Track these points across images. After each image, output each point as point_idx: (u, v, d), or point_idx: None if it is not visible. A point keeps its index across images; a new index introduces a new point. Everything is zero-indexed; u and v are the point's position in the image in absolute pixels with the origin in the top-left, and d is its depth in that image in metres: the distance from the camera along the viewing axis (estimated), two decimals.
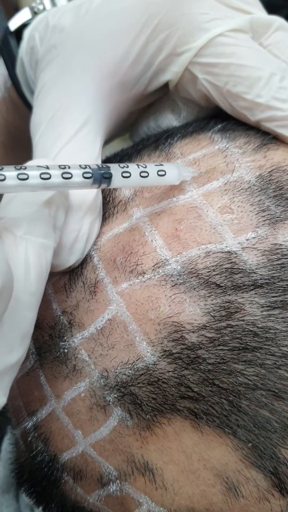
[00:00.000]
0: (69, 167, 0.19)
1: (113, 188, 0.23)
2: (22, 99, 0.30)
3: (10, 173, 0.18)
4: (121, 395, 0.20)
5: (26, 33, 0.27)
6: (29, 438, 0.23)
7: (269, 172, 0.21)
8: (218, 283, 0.19)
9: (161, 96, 0.27)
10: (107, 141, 0.26)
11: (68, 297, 0.22)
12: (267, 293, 0.19)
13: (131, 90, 0.25)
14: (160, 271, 0.20)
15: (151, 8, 0.23)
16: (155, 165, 0.21)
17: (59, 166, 0.19)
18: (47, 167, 0.18)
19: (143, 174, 0.21)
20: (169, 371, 0.19)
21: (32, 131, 0.25)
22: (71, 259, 0.22)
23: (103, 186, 0.20)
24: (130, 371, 0.20)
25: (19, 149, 0.38)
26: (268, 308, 0.19)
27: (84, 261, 0.22)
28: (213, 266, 0.20)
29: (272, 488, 0.19)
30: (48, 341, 0.22)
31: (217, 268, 0.19)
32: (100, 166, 0.20)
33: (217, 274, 0.19)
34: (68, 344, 0.21)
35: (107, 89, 0.24)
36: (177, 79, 0.25)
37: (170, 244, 0.20)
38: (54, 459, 0.22)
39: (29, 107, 0.30)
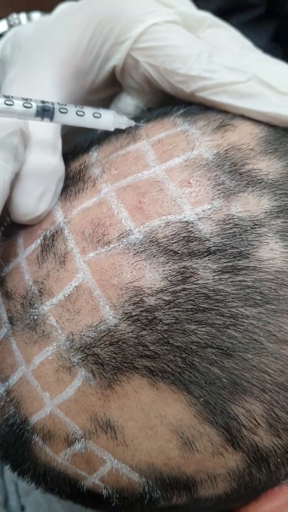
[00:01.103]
0: (12, 97, 0.23)
1: (84, 167, 0.26)
2: None
3: None
4: (85, 356, 0.22)
5: (0, 43, 0.32)
6: (2, 403, 0.24)
7: (226, 150, 0.23)
8: (175, 250, 0.21)
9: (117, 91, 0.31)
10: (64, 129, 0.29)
11: (40, 268, 0.24)
12: (219, 259, 0.21)
13: (84, 77, 0.29)
14: (124, 240, 0.22)
15: (95, 6, 0.28)
16: (92, 108, 0.24)
17: (3, 95, 0.22)
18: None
19: (79, 113, 0.24)
20: (129, 332, 0.21)
21: None
22: (40, 208, 0.25)
23: (46, 120, 0.24)
24: (93, 333, 0.22)
25: None
26: (219, 272, 0.21)
27: (56, 234, 0.24)
28: (171, 235, 0.21)
29: (225, 442, 0.21)
30: (20, 309, 0.24)
31: (175, 237, 0.21)
32: (42, 101, 0.23)
33: (175, 242, 0.21)
34: (37, 311, 0.23)
35: (63, 76, 0.28)
36: (121, 65, 0.28)
37: (134, 216, 0.22)
38: (25, 422, 0.24)
39: None
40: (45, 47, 0.28)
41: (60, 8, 0.30)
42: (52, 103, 0.24)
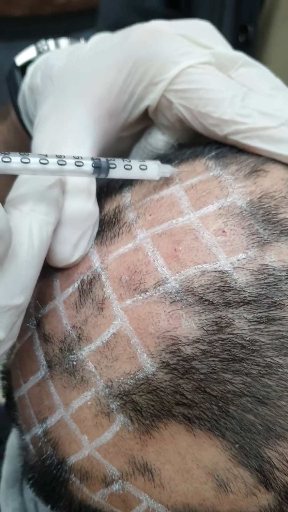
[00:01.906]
0: (64, 157, 0.24)
1: (118, 211, 0.26)
2: (22, 125, 0.36)
3: (15, 157, 0.23)
4: (124, 402, 0.23)
5: (30, 69, 0.33)
6: (39, 444, 0.26)
7: (259, 198, 0.24)
8: (211, 300, 0.22)
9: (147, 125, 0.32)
10: None
11: (78, 313, 0.25)
12: (254, 309, 0.22)
13: (118, 116, 0.30)
14: (161, 288, 0.23)
15: (131, 46, 0.29)
16: (138, 161, 0.26)
17: (55, 155, 0.24)
18: (46, 156, 0.24)
19: (127, 167, 0.25)
20: (166, 381, 0.22)
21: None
22: (76, 254, 0.26)
23: (102, 176, 0.25)
24: (131, 381, 0.23)
25: None
26: (255, 322, 0.22)
27: (93, 280, 0.25)
28: (207, 284, 0.22)
29: (258, 484, 0.22)
30: (58, 354, 0.25)
31: (210, 286, 0.22)
32: (92, 158, 0.25)
33: (210, 292, 0.22)
34: (76, 357, 0.24)
35: (98, 116, 0.29)
36: (155, 105, 0.29)
37: (170, 264, 0.23)
38: (63, 462, 0.25)
39: (27, 133, 0.36)
40: (79, 86, 0.29)
41: (94, 42, 0.31)
42: (104, 160, 0.25)
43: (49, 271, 0.27)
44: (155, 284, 0.23)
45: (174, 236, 0.24)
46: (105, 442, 0.24)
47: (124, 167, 0.25)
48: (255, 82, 0.29)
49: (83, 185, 0.26)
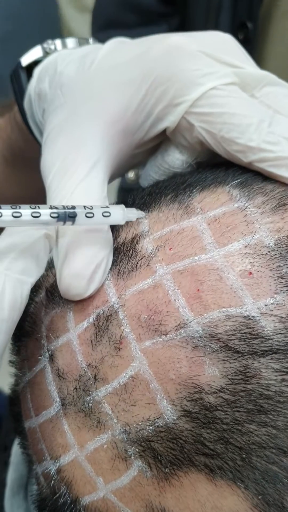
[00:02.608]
0: (39, 207, 0.24)
1: (136, 242, 0.25)
2: (26, 126, 0.35)
3: None
4: (142, 449, 0.22)
5: (36, 72, 0.32)
6: (52, 481, 0.25)
7: (287, 236, 0.23)
8: (236, 347, 0.21)
9: (163, 140, 0.31)
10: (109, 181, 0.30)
11: (94, 350, 0.24)
12: (282, 358, 0.21)
13: (133, 136, 0.29)
14: (182, 331, 0.22)
15: (149, 64, 0.27)
16: (101, 207, 0.25)
17: (29, 206, 0.24)
18: (19, 207, 0.24)
19: (88, 215, 0.25)
20: (188, 429, 0.22)
21: (43, 173, 0.28)
22: (90, 287, 0.25)
23: (67, 223, 0.25)
24: (151, 428, 0.22)
25: (19, 165, 0.44)
26: (282, 373, 0.21)
27: (110, 317, 0.24)
28: (232, 330, 0.22)
29: None
30: (73, 393, 0.24)
31: (236, 333, 0.22)
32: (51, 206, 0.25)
33: (236, 339, 0.21)
34: (92, 399, 0.23)
35: (112, 134, 0.28)
36: (174, 127, 0.28)
37: (192, 305, 0.22)
38: (76, 501, 0.25)
39: (32, 134, 0.35)
40: (92, 102, 0.28)
41: (108, 51, 0.29)
42: (62, 211, 0.24)
43: (63, 301, 0.26)
44: (176, 326, 0.22)
45: (196, 275, 0.23)
46: (121, 486, 0.23)
47: (86, 215, 0.25)
48: (282, 102, 0.28)
49: (102, 237, 0.26)
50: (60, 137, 0.28)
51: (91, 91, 0.28)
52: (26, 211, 0.23)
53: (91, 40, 0.35)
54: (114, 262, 0.26)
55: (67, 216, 0.24)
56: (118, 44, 0.30)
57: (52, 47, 0.34)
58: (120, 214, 0.25)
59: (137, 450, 0.23)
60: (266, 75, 0.28)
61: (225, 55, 0.28)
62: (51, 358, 0.26)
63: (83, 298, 0.25)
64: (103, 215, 0.25)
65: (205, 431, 0.21)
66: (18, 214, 0.23)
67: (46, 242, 0.24)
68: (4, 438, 0.46)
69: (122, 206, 0.26)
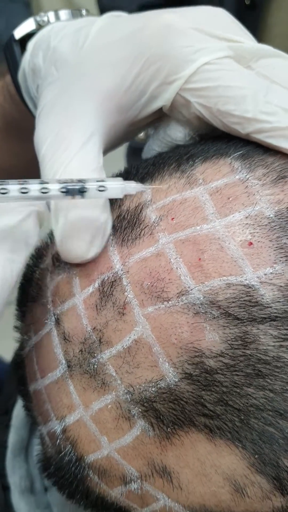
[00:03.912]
0: (47, 183, 0.25)
1: (140, 211, 0.26)
2: (21, 99, 0.36)
3: None
4: (145, 409, 0.24)
5: (30, 45, 0.32)
6: (58, 440, 0.27)
7: (287, 208, 0.24)
8: (236, 314, 0.22)
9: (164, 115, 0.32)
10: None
11: (99, 315, 0.25)
12: (280, 326, 0.22)
13: (127, 113, 0.29)
14: (184, 298, 0.23)
15: (143, 43, 0.28)
16: (97, 181, 0.25)
17: (18, 182, 0.25)
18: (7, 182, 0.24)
19: (101, 189, 0.25)
20: (188, 391, 0.23)
21: (37, 145, 0.29)
22: (91, 251, 0.26)
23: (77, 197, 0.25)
24: (153, 389, 0.23)
25: (12, 134, 0.44)
26: (280, 339, 0.22)
27: (114, 283, 0.25)
28: (232, 298, 0.23)
29: (274, 490, 0.24)
30: (78, 355, 0.25)
31: (236, 300, 0.23)
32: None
33: (236, 306, 0.23)
34: (97, 360, 0.25)
35: (105, 111, 0.28)
36: (169, 104, 0.29)
37: (193, 273, 0.24)
38: (81, 459, 0.26)
39: (26, 106, 0.36)
40: (86, 77, 0.29)
41: (102, 26, 0.30)
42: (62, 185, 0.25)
43: (68, 266, 0.27)
44: (178, 293, 0.24)
45: (198, 244, 0.24)
46: (124, 445, 0.25)
47: (79, 191, 0.25)
48: (279, 73, 0.28)
49: (102, 203, 0.27)
50: (53, 111, 0.29)
51: (85, 68, 0.29)
52: (34, 186, 0.24)
53: (84, 12, 0.35)
54: (118, 230, 0.27)
55: (78, 191, 0.25)
56: (113, 19, 0.31)
57: (45, 19, 0.34)
58: (119, 188, 0.26)
59: (140, 410, 0.24)
60: (262, 47, 0.29)
61: (217, 29, 0.28)
62: (57, 321, 0.27)
63: (86, 263, 0.26)
64: (98, 190, 0.25)
65: (205, 393, 0.23)
66: (25, 191, 0.24)
67: (35, 219, 0.25)
68: (5, 402, 0.48)
69: (120, 179, 0.26)
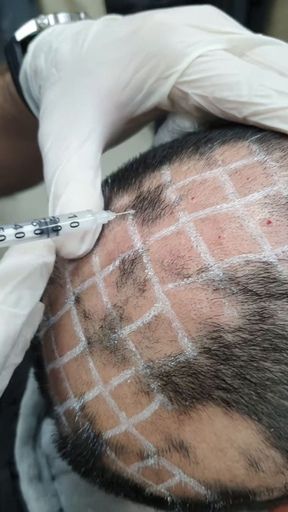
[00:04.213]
0: (21, 227, 0.25)
1: (160, 191, 0.27)
2: (22, 99, 0.37)
3: None
4: (164, 383, 0.24)
5: (31, 47, 0.34)
6: (76, 417, 0.27)
7: None
8: (254, 290, 0.23)
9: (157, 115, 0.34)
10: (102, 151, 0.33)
11: (119, 292, 0.26)
12: None
13: (125, 109, 0.31)
14: (204, 275, 0.24)
15: (138, 42, 0.29)
16: (68, 218, 0.26)
17: (13, 225, 0.25)
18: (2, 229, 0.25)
19: (73, 225, 0.26)
20: (207, 365, 0.23)
21: (41, 144, 0.31)
22: (82, 248, 0.28)
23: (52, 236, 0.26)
24: (172, 363, 0.24)
25: (12, 132, 0.46)
26: None
27: (135, 261, 0.26)
28: (251, 275, 0.23)
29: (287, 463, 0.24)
30: (99, 331, 0.26)
31: (254, 277, 0.23)
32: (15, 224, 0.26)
33: (254, 282, 0.23)
34: (117, 336, 0.25)
35: (105, 108, 0.30)
36: (165, 100, 0.30)
37: (213, 251, 0.24)
38: (99, 436, 0.27)
39: (27, 107, 0.38)
40: (86, 77, 0.30)
41: (100, 28, 0.31)
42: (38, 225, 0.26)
43: None
44: (198, 270, 0.24)
45: (218, 222, 0.25)
46: (143, 420, 0.25)
47: (52, 230, 0.26)
48: (272, 58, 0.29)
49: (88, 179, 0.28)
50: (56, 111, 0.30)
51: (85, 68, 0.30)
52: (9, 231, 0.25)
53: (82, 15, 0.37)
54: (138, 210, 0.27)
55: (51, 230, 0.26)
56: (109, 22, 0.32)
57: (46, 21, 0.36)
58: (89, 221, 0.27)
59: (159, 384, 0.24)
60: (254, 36, 0.30)
61: (209, 24, 0.30)
62: (77, 300, 0.28)
63: (105, 243, 0.28)
64: (70, 226, 0.26)
65: (223, 367, 0.23)
66: (1, 238, 0.25)
67: (44, 271, 0.26)
68: (13, 392, 0.48)
69: (90, 212, 0.27)
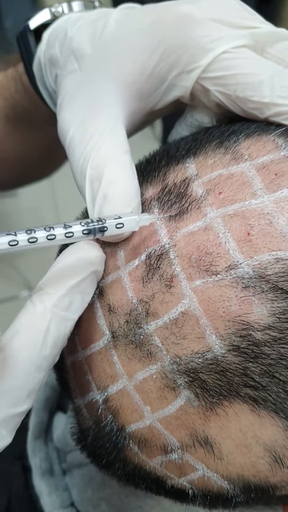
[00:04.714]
0: (70, 226, 0.26)
1: (187, 185, 0.27)
2: (34, 89, 0.37)
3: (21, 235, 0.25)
4: (191, 380, 0.24)
5: (45, 36, 0.34)
6: (99, 410, 0.27)
7: None
8: (285, 288, 0.23)
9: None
10: None
11: (145, 287, 0.26)
12: None
13: (147, 99, 0.31)
14: (233, 272, 0.24)
15: (161, 33, 0.29)
16: (114, 219, 0.26)
17: (44, 228, 0.25)
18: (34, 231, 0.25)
19: (118, 226, 0.27)
20: (235, 363, 0.24)
21: (62, 130, 0.30)
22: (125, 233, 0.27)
23: (98, 235, 0.27)
24: (200, 360, 0.24)
25: (22, 124, 0.46)
26: None
27: (161, 256, 0.26)
28: (281, 272, 0.23)
29: None
30: (124, 326, 0.26)
31: (285, 275, 0.23)
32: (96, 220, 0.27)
33: (284, 281, 0.23)
34: (143, 331, 0.25)
35: (127, 96, 0.30)
36: (187, 94, 0.30)
37: (242, 248, 0.24)
38: (122, 429, 0.27)
39: (41, 97, 0.37)
40: (108, 65, 0.30)
41: (119, 18, 0.31)
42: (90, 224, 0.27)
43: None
44: (226, 267, 0.24)
45: (247, 219, 0.25)
46: (168, 415, 0.25)
47: (99, 230, 0.26)
48: None
49: (126, 163, 0.28)
50: (77, 97, 0.30)
51: (107, 56, 0.30)
52: (59, 231, 0.26)
53: (97, 3, 0.37)
54: (164, 204, 0.27)
55: (97, 230, 0.26)
56: (129, 10, 0.32)
57: (60, 10, 0.35)
58: (133, 222, 0.27)
59: (186, 380, 0.25)
60: (276, 30, 0.30)
61: (231, 18, 0.30)
62: (101, 293, 0.28)
63: (131, 236, 0.28)
64: (116, 227, 0.27)
65: (252, 365, 0.23)
66: (52, 237, 0.25)
67: (93, 278, 0.27)
68: None
69: (136, 216, 0.27)
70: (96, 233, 0.26)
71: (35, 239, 0.25)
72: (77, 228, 0.26)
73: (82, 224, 0.26)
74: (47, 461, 0.44)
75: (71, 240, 0.26)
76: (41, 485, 0.42)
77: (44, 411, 0.46)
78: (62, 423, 0.45)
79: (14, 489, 0.43)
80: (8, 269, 1.66)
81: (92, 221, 0.26)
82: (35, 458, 0.43)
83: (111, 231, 0.26)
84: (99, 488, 0.40)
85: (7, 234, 0.24)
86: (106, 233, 0.27)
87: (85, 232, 0.26)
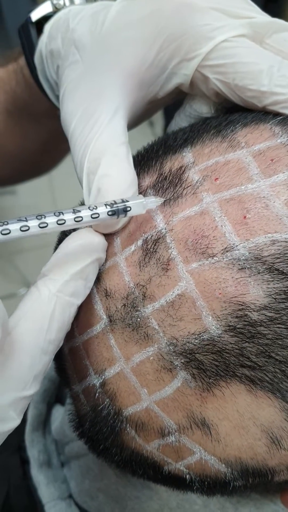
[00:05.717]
0: (95, 207, 0.27)
1: (182, 171, 0.27)
2: (35, 81, 0.38)
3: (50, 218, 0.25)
4: (188, 360, 0.25)
5: (47, 28, 0.34)
6: (96, 394, 0.28)
7: None
8: (280, 269, 0.23)
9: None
10: None
11: (141, 271, 0.26)
12: None
13: (148, 88, 0.31)
14: (229, 254, 0.24)
15: (162, 22, 0.30)
16: (121, 202, 0.27)
17: (72, 210, 0.26)
18: (63, 213, 0.26)
19: (110, 213, 0.27)
20: (231, 343, 0.24)
21: (65, 121, 0.31)
22: (117, 226, 0.28)
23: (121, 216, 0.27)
24: (196, 341, 0.24)
25: (22, 117, 0.47)
26: None
27: (158, 240, 0.26)
28: (277, 254, 0.24)
29: None
30: (121, 309, 0.26)
31: (281, 256, 0.24)
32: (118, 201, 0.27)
33: (280, 262, 0.24)
34: (140, 314, 0.25)
35: (128, 86, 0.30)
36: (188, 82, 0.31)
37: (238, 231, 0.25)
38: (119, 413, 0.27)
39: (41, 89, 0.38)
40: (109, 55, 0.30)
41: (119, 8, 0.32)
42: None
43: None
44: (223, 249, 0.24)
45: (243, 203, 0.25)
46: (165, 396, 0.26)
47: (108, 213, 0.27)
48: None
49: (122, 154, 0.28)
50: (79, 88, 0.31)
51: (108, 46, 0.31)
52: (85, 213, 0.26)
53: None
54: (159, 190, 0.28)
55: (121, 210, 0.27)
56: (130, 1, 0.32)
57: (61, 2, 0.36)
58: (140, 205, 0.27)
59: (182, 361, 0.25)
60: (274, 21, 0.30)
61: (232, 7, 0.30)
62: (97, 279, 0.28)
63: (127, 224, 0.28)
64: (124, 211, 0.27)
65: (248, 345, 0.24)
66: (79, 219, 0.26)
67: (96, 264, 0.27)
68: None
69: (141, 197, 0.27)
70: (119, 213, 0.27)
71: (46, 224, 0.25)
72: (86, 213, 0.26)
73: (91, 208, 0.27)
74: (45, 453, 0.44)
75: (97, 221, 0.27)
76: (39, 477, 0.42)
77: (42, 403, 0.47)
78: (60, 415, 0.46)
79: (12, 481, 0.43)
80: (7, 267, 1.67)
81: (113, 202, 0.27)
82: (33, 450, 0.44)
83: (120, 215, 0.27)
84: (96, 479, 0.40)
85: (19, 220, 0.25)
86: (121, 216, 0.27)
87: (94, 216, 0.26)
